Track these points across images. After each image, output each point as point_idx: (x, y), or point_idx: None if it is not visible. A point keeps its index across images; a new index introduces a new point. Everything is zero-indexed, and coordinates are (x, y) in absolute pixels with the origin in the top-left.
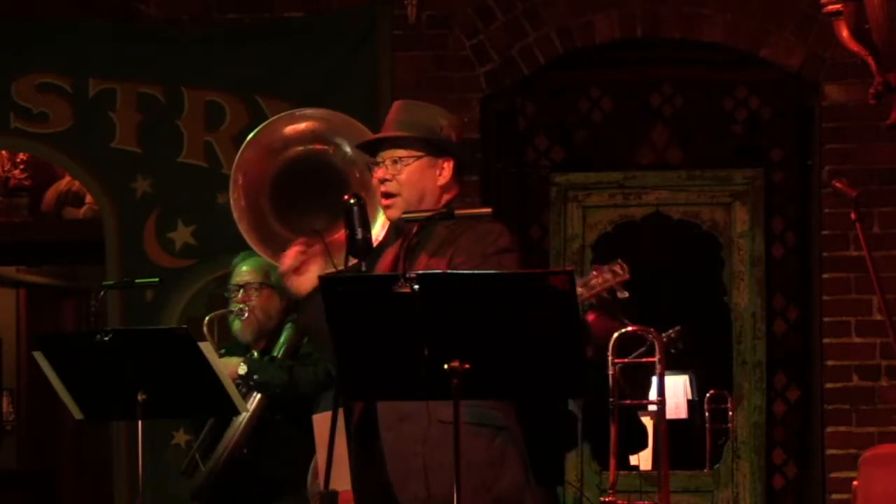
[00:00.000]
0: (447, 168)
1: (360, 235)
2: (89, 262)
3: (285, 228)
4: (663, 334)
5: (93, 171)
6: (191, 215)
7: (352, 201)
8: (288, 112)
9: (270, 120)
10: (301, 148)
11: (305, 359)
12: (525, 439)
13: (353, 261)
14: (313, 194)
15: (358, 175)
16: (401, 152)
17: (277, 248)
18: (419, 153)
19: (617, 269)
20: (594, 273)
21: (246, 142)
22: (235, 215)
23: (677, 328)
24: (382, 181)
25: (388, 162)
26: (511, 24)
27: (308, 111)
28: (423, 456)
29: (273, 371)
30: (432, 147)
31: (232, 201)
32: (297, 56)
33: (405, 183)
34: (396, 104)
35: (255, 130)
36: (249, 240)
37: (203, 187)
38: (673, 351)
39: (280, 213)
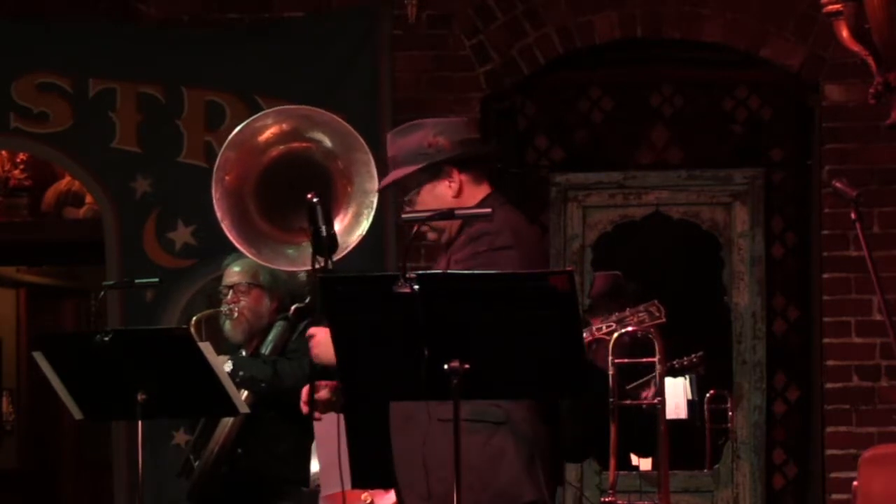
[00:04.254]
0: (453, 175)
1: (324, 233)
2: (89, 262)
3: (270, 226)
4: (685, 358)
5: (93, 171)
6: (191, 215)
7: (314, 199)
8: (265, 111)
9: (248, 120)
10: (282, 147)
11: (292, 354)
12: (540, 433)
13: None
14: (297, 191)
15: (341, 166)
16: (408, 190)
17: (262, 247)
18: (418, 182)
19: (653, 309)
20: (628, 311)
21: (226, 142)
22: (218, 214)
23: (700, 353)
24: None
25: (407, 200)
26: (511, 24)
27: (286, 109)
28: (424, 456)
29: (257, 366)
30: (424, 170)
31: (214, 201)
32: (297, 56)
33: (428, 206)
34: (387, 138)
35: (235, 130)
36: (232, 238)
37: (203, 187)
38: (695, 375)
39: (265, 211)
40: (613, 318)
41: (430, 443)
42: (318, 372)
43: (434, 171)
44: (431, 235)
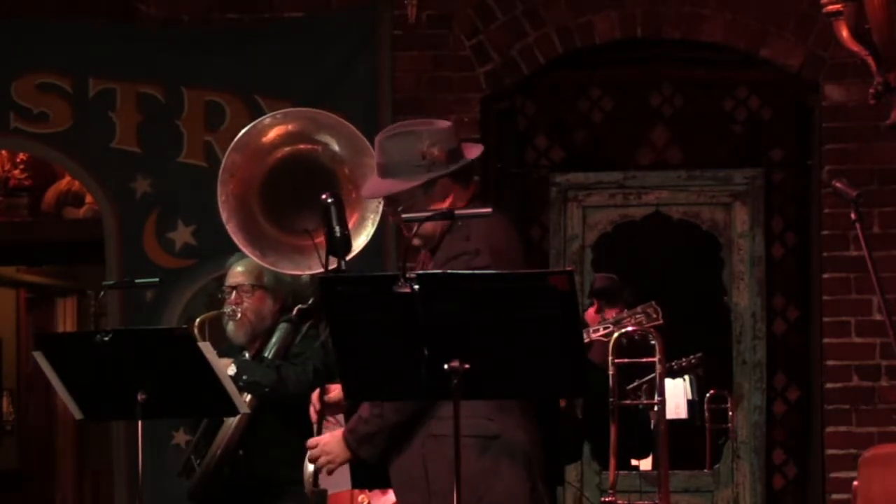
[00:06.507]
0: (446, 187)
1: (338, 233)
2: (89, 261)
3: (275, 228)
4: (684, 359)
5: (93, 171)
6: (191, 215)
7: (329, 200)
8: (272, 113)
9: (255, 122)
10: (288, 148)
11: (295, 358)
12: (534, 445)
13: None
14: (302, 194)
15: (347, 172)
16: (399, 200)
17: (267, 249)
18: (411, 196)
19: (651, 311)
20: (626, 313)
21: (232, 144)
22: (224, 216)
23: (699, 355)
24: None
25: (394, 211)
26: (511, 24)
27: (293, 111)
28: (419, 468)
29: (262, 371)
30: (421, 184)
31: (220, 203)
32: (297, 56)
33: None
34: (376, 142)
35: (241, 132)
36: (237, 240)
37: (203, 187)
38: (694, 377)
39: (269, 213)
40: (611, 319)
41: (425, 457)
42: (324, 376)
43: (427, 185)
44: (416, 242)
